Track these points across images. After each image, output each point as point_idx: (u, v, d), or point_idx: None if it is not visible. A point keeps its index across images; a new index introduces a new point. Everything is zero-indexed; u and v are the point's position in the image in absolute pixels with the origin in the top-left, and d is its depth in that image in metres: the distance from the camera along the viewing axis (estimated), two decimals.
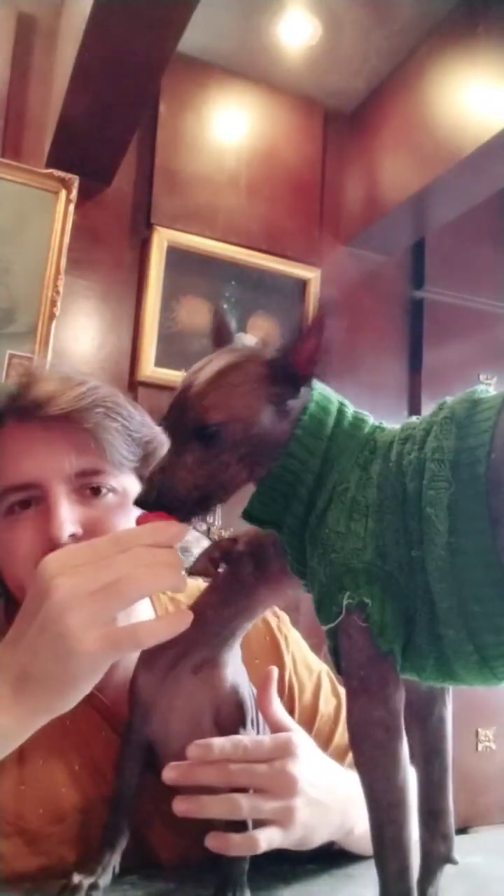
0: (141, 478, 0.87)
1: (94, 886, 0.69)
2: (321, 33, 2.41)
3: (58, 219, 2.30)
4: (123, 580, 0.58)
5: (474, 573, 0.54)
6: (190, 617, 0.61)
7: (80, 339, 2.41)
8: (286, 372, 0.63)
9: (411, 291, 2.91)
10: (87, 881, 0.69)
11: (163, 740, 0.75)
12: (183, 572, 0.62)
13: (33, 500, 0.80)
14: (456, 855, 0.65)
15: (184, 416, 0.63)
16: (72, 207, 2.31)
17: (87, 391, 0.83)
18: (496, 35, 2.14)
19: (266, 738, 0.73)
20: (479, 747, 2.58)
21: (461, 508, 0.55)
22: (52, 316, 2.27)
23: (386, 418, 0.68)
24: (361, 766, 0.56)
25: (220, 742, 0.69)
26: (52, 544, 0.76)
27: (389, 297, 2.88)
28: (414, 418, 0.65)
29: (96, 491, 0.82)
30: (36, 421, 0.81)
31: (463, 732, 2.53)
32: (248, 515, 0.66)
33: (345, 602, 0.57)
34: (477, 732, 2.57)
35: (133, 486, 0.85)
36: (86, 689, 0.60)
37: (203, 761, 0.68)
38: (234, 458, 0.62)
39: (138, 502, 0.63)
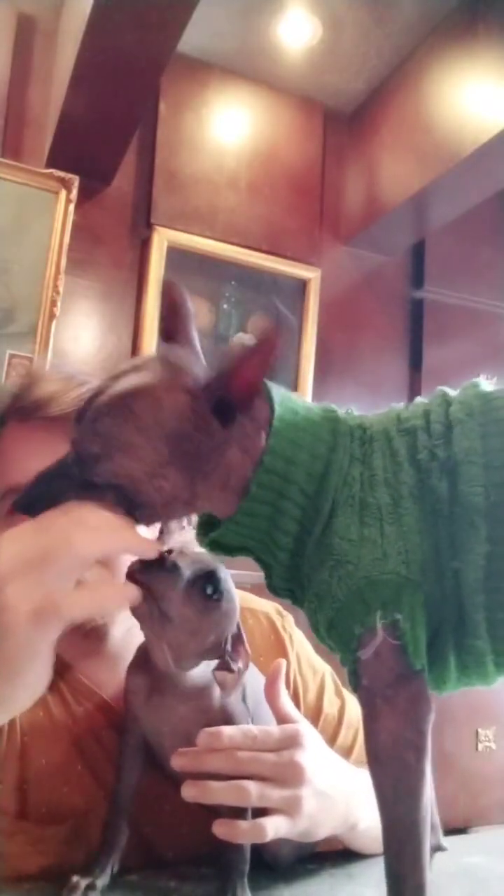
0: None
1: (91, 887, 0.69)
2: (321, 33, 2.41)
3: (58, 219, 2.30)
4: (60, 542, 0.54)
5: None
6: (129, 592, 0.58)
7: (80, 339, 2.41)
8: (218, 402, 0.55)
9: (411, 291, 2.91)
10: (84, 881, 0.69)
11: (157, 750, 0.74)
12: (141, 535, 0.58)
13: None
14: (444, 843, 0.67)
15: (77, 428, 0.57)
16: (72, 207, 2.31)
17: (85, 392, 0.80)
18: (496, 35, 2.14)
19: (275, 728, 0.73)
20: (479, 747, 2.58)
21: (499, 514, 0.52)
22: (52, 316, 2.27)
23: None
24: (383, 787, 0.54)
25: (229, 730, 0.68)
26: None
27: (389, 297, 2.88)
28: (400, 405, 0.61)
29: None
30: (37, 421, 0.81)
31: (463, 732, 2.53)
32: (214, 545, 0.59)
33: (379, 622, 0.52)
34: (477, 732, 2.57)
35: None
36: (29, 675, 0.57)
37: (212, 749, 0.67)
38: (145, 475, 0.54)
39: (15, 503, 0.58)
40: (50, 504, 0.56)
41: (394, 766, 0.53)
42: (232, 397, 0.55)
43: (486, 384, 0.59)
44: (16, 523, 0.79)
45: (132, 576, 0.61)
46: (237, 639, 0.68)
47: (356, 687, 0.55)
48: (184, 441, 0.54)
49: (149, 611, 0.63)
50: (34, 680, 0.58)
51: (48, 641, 0.56)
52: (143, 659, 0.73)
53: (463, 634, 0.54)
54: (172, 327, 0.60)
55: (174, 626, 0.64)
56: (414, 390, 2.81)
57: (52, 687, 0.84)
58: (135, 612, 0.64)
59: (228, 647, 0.67)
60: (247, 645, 0.69)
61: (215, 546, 0.60)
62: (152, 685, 0.72)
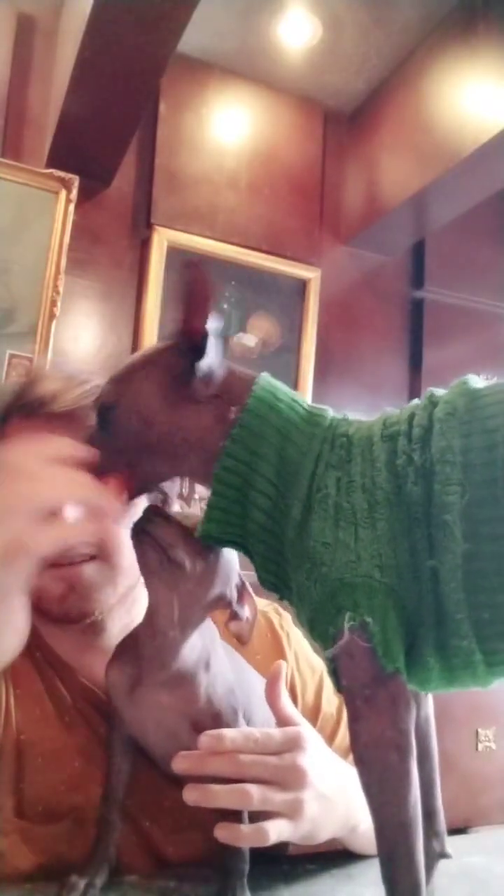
0: None
1: (90, 885, 0.69)
2: (321, 33, 2.41)
3: (58, 219, 2.30)
4: (23, 494, 0.59)
5: (489, 580, 0.52)
6: (90, 529, 0.63)
7: (80, 339, 2.41)
8: (185, 346, 0.60)
9: (411, 291, 2.91)
10: (82, 881, 0.69)
11: (144, 745, 0.74)
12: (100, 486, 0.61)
13: None
14: (449, 850, 0.66)
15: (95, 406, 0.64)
16: (72, 207, 2.31)
17: (91, 389, 0.83)
18: (496, 35, 2.14)
19: (276, 730, 0.73)
20: (479, 747, 2.58)
21: (477, 513, 0.52)
22: (52, 316, 2.27)
23: None
24: (370, 788, 0.54)
25: (231, 733, 0.68)
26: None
27: (389, 297, 2.88)
28: (393, 410, 0.61)
29: None
30: (40, 418, 0.83)
31: (463, 732, 2.53)
32: (206, 536, 0.61)
33: (346, 624, 0.53)
34: (477, 732, 2.57)
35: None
36: (3, 614, 0.61)
37: (214, 752, 0.67)
38: (132, 446, 0.61)
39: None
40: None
41: (377, 767, 0.53)
42: (192, 336, 0.59)
43: (477, 381, 0.59)
44: None
45: (140, 530, 0.65)
46: (241, 588, 0.70)
47: (338, 687, 0.56)
48: (170, 388, 0.60)
49: (159, 562, 0.65)
50: (9, 621, 0.61)
51: (19, 581, 0.59)
52: (123, 651, 0.73)
53: (445, 635, 0.54)
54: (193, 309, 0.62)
55: (185, 574, 0.65)
56: (414, 390, 2.81)
57: (49, 684, 0.84)
58: (144, 565, 0.67)
59: (234, 594, 0.69)
60: (251, 592, 0.71)
61: (207, 537, 0.62)
62: (134, 678, 0.71)
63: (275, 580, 0.61)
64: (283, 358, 2.63)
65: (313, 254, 2.72)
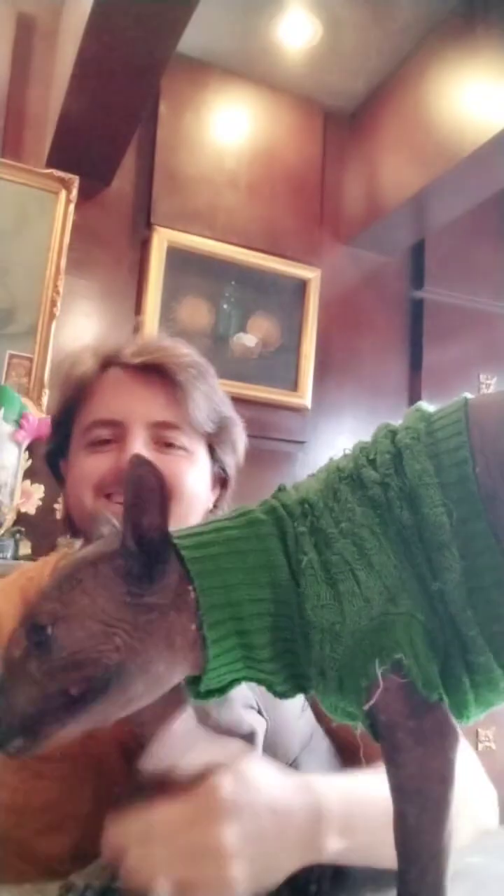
0: (211, 450, 0.93)
1: (89, 887, 0.69)
2: (321, 33, 2.41)
3: (58, 219, 2.30)
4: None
5: (490, 593, 0.52)
6: None
7: (80, 339, 2.41)
8: (140, 556, 0.54)
9: (411, 291, 2.91)
10: (81, 882, 0.69)
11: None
12: None
13: (114, 437, 0.88)
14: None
15: (27, 626, 0.54)
16: (72, 207, 2.31)
17: (187, 352, 0.92)
18: (496, 35, 2.14)
19: (178, 804, 0.62)
20: (479, 747, 2.58)
21: (464, 530, 0.52)
22: (52, 316, 2.27)
23: (386, 418, 0.65)
24: (408, 817, 0.52)
25: (129, 827, 0.61)
26: (119, 478, 0.82)
27: (389, 297, 2.88)
28: (353, 440, 0.59)
29: (170, 445, 0.89)
30: (132, 368, 0.90)
31: (463, 732, 2.53)
32: (208, 694, 0.56)
33: (379, 670, 0.50)
34: (477, 732, 2.57)
35: (202, 452, 0.92)
36: None
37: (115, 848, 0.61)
38: (90, 663, 0.52)
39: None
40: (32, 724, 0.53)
41: (420, 798, 0.52)
42: (146, 550, 0.54)
43: (429, 406, 0.59)
44: (96, 454, 0.87)
45: None
46: None
47: (377, 736, 0.53)
48: (120, 600, 0.53)
49: None
50: None
51: None
52: None
53: (467, 652, 0.53)
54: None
55: None
56: (414, 390, 2.81)
57: None
58: None
59: None
60: None
61: (209, 695, 0.57)
62: None
63: (294, 684, 0.57)
64: (283, 358, 2.63)
65: (313, 254, 2.73)
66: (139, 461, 0.53)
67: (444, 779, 0.52)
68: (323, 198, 2.79)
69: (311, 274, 2.69)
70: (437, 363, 2.81)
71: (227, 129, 2.66)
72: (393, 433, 0.57)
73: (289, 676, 0.56)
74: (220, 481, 0.97)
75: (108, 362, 0.92)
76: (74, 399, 0.92)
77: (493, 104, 2.12)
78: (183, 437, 0.89)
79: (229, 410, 0.95)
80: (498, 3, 2.14)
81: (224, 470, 0.96)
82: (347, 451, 0.60)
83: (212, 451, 0.93)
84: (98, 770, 0.79)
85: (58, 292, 2.28)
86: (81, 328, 2.41)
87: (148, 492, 0.53)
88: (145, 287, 2.47)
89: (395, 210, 2.56)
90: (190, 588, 0.54)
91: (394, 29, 2.40)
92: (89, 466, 0.87)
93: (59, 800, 0.78)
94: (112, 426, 0.88)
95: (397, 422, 0.59)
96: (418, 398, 2.80)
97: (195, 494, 0.90)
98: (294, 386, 2.63)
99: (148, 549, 0.54)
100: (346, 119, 2.84)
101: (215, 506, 0.97)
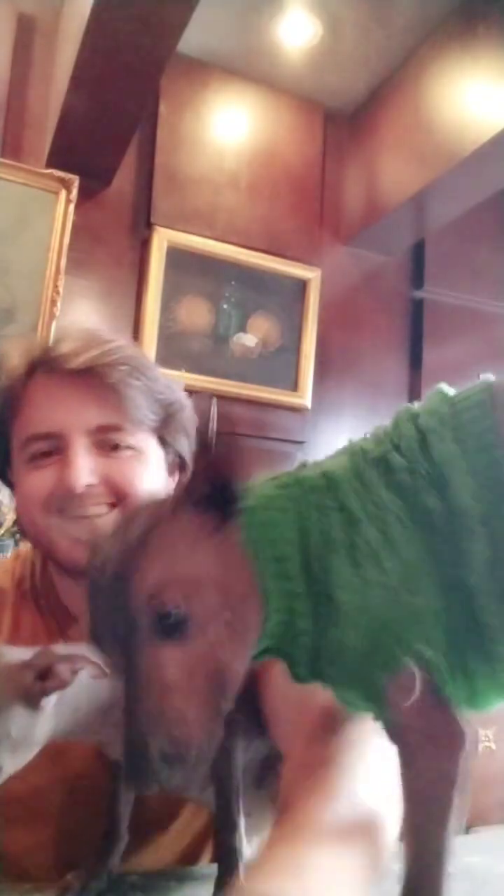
0: (161, 439, 0.88)
1: (85, 888, 0.69)
2: (321, 33, 2.41)
3: (58, 219, 2.30)
4: None
5: None
6: None
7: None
8: (213, 493, 0.52)
9: (411, 291, 2.91)
10: (78, 882, 0.69)
11: None
12: None
13: (55, 449, 0.83)
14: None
15: (124, 612, 0.48)
16: (72, 207, 2.31)
17: (113, 349, 0.85)
18: (496, 35, 2.14)
19: None
20: (479, 747, 2.58)
21: (491, 517, 0.51)
22: (52, 316, 2.27)
23: (386, 418, 0.65)
24: (416, 817, 0.52)
25: None
26: (69, 492, 0.80)
27: (389, 297, 2.88)
28: (354, 438, 0.58)
29: (116, 446, 0.85)
30: (62, 374, 0.84)
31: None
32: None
33: (407, 662, 0.49)
34: (477, 732, 2.57)
35: (152, 445, 0.88)
36: None
37: None
38: (223, 632, 0.49)
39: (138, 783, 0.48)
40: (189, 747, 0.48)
41: (430, 801, 0.52)
42: (221, 488, 0.52)
43: (449, 388, 0.58)
44: (38, 469, 0.83)
45: None
46: None
47: (391, 730, 0.52)
48: (215, 553, 0.51)
49: None
50: None
51: None
52: None
53: (482, 642, 0.52)
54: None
55: None
56: (414, 390, 2.81)
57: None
58: None
59: None
60: None
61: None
62: None
63: (306, 672, 0.55)
64: (283, 358, 2.63)
65: (313, 254, 2.72)
66: (202, 399, 0.51)
67: (451, 780, 0.52)
68: (323, 198, 2.79)
69: (311, 274, 2.69)
70: (437, 363, 2.81)
71: (227, 128, 2.66)
72: (415, 416, 0.56)
73: (307, 665, 0.54)
74: (178, 466, 0.93)
75: (35, 367, 0.86)
76: (5, 409, 0.87)
77: (493, 104, 2.12)
78: (127, 437, 0.85)
79: (174, 394, 0.89)
80: (498, 3, 2.14)
81: (180, 455, 0.92)
82: (368, 435, 0.58)
83: (163, 440, 0.89)
84: (70, 765, 0.80)
85: (58, 292, 2.28)
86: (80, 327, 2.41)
87: (226, 437, 0.52)
88: (145, 287, 2.47)
89: (395, 210, 2.55)
90: (234, 533, 0.52)
91: (394, 29, 2.40)
92: (34, 484, 0.83)
93: (30, 794, 0.77)
94: (50, 438, 0.83)
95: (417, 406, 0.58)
96: (418, 398, 2.77)
97: (149, 494, 0.84)
98: (294, 386, 2.63)
99: (218, 490, 0.51)
100: (346, 119, 2.84)
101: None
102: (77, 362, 0.83)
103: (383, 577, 0.51)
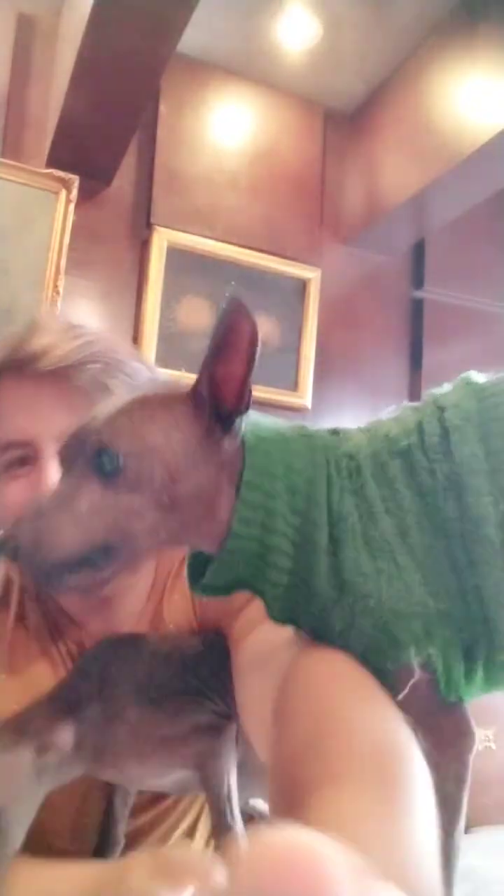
0: None
1: None
2: (321, 33, 2.41)
3: (58, 219, 2.30)
4: None
5: None
6: None
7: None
8: (210, 405, 0.53)
9: (411, 291, 2.91)
10: None
11: None
12: None
13: (29, 458, 0.79)
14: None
15: (83, 445, 0.52)
16: (72, 207, 2.31)
17: (82, 346, 0.78)
18: (496, 35, 2.14)
19: None
20: (479, 747, 2.58)
21: None
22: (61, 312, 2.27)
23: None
24: None
25: None
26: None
27: (389, 297, 2.88)
28: (384, 417, 0.58)
29: None
30: (30, 377, 0.79)
31: None
32: (207, 590, 0.56)
33: (414, 659, 0.50)
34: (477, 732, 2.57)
35: None
36: None
37: None
38: (152, 505, 0.51)
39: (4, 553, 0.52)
40: (56, 549, 0.51)
41: (440, 802, 0.51)
42: (221, 400, 0.52)
43: (479, 377, 0.57)
44: (12, 479, 0.78)
45: None
46: None
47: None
48: (196, 445, 0.53)
49: None
50: None
51: None
52: None
53: (494, 651, 0.52)
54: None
55: None
56: (414, 390, 2.81)
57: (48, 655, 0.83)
58: None
59: None
60: None
61: (208, 590, 0.56)
62: None
63: (291, 615, 0.56)
64: (283, 358, 2.63)
65: (313, 254, 2.72)
66: (236, 305, 0.50)
67: (459, 779, 0.52)
68: (323, 198, 2.79)
69: (312, 274, 2.69)
70: (437, 363, 2.81)
71: (227, 128, 2.66)
72: (442, 409, 0.55)
73: (287, 608, 0.55)
74: None
75: (2, 370, 0.81)
76: None
77: (493, 104, 2.12)
78: None
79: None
80: (498, 3, 2.14)
81: None
82: (393, 416, 0.58)
83: None
84: None
85: (58, 292, 2.28)
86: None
87: (235, 340, 0.50)
88: (145, 287, 2.46)
89: (395, 210, 2.55)
90: (238, 470, 0.53)
91: (394, 29, 2.40)
92: (9, 496, 0.79)
93: None
94: (20, 447, 0.79)
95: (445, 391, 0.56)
96: (418, 398, 2.79)
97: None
98: (294, 386, 2.63)
99: (218, 401, 0.52)
100: (346, 119, 2.83)
101: None
102: (43, 364, 0.77)
103: (397, 572, 0.51)
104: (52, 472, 0.75)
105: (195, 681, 0.70)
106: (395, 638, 0.51)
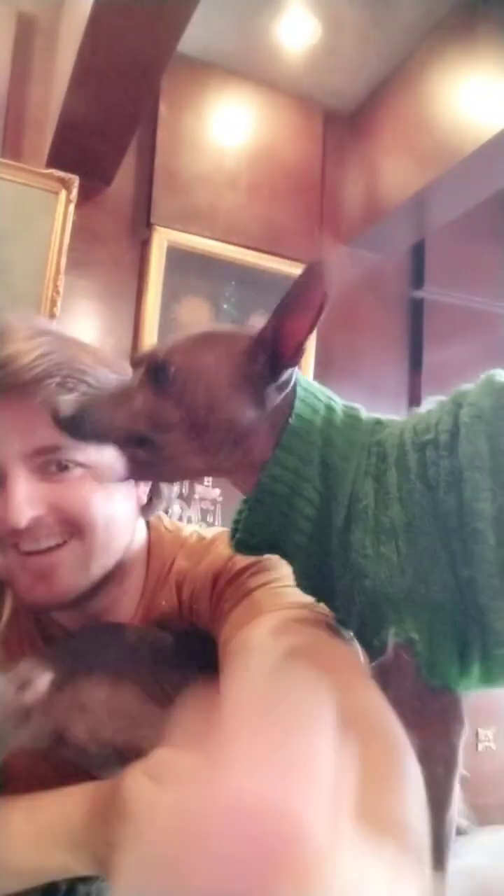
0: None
1: (72, 889, 0.69)
2: (321, 33, 2.41)
3: (58, 219, 2.30)
4: None
5: None
6: None
7: (80, 338, 2.41)
8: (268, 351, 0.57)
9: (411, 291, 2.91)
10: (65, 883, 0.69)
11: None
12: None
13: None
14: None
15: (150, 355, 0.60)
16: (72, 207, 2.31)
17: (36, 360, 0.73)
18: (496, 35, 2.14)
19: None
20: (479, 747, 2.58)
21: None
22: (52, 316, 2.27)
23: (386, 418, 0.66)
24: None
25: None
26: (13, 528, 0.73)
27: (389, 297, 2.88)
28: (423, 410, 0.60)
29: (63, 467, 0.75)
30: None
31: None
32: (241, 545, 0.60)
33: (392, 638, 0.52)
34: (477, 732, 2.57)
35: (108, 455, 0.76)
36: None
37: None
38: (187, 423, 0.56)
39: (56, 422, 0.61)
40: (105, 429, 0.59)
41: (428, 784, 0.51)
42: (279, 350, 0.56)
43: (502, 376, 0.58)
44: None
45: None
46: None
47: (385, 690, 0.54)
48: (242, 382, 0.57)
49: None
50: None
51: None
52: None
53: (488, 644, 0.53)
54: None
55: None
56: (414, 390, 2.81)
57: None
58: None
59: None
60: None
61: (242, 546, 0.61)
62: None
63: (315, 586, 0.59)
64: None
65: (313, 254, 2.72)
66: (317, 268, 0.55)
67: (447, 763, 0.52)
68: (323, 198, 2.79)
69: None
70: (437, 363, 2.81)
71: (227, 129, 2.66)
72: (458, 406, 0.57)
73: (312, 579, 0.59)
74: None
75: None
76: None
77: (493, 104, 2.12)
78: (72, 453, 0.75)
79: None
80: (498, 2, 2.14)
81: None
82: (428, 405, 0.60)
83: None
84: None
85: (58, 292, 2.28)
86: (81, 328, 2.41)
87: (307, 301, 0.55)
88: (145, 287, 2.46)
89: (395, 210, 2.55)
90: (281, 426, 0.57)
91: (394, 29, 2.40)
92: None
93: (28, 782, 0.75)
94: None
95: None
96: (418, 398, 2.80)
97: (110, 516, 0.78)
98: None
99: (277, 350, 0.56)
100: (346, 119, 2.83)
101: (150, 498, 0.86)
102: (8, 380, 0.73)
103: (397, 558, 0.53)
104: (19, 495, 0.73)
105: (157, 671, 0.71)
106: (381, 617, 0.53)
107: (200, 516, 2.32)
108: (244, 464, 0.58)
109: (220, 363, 0.57)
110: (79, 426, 0.60)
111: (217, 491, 2.32)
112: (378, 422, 0.61)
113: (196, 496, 2.32)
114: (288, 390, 0.59)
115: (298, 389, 0.59)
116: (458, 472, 0.53)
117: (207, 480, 2.31)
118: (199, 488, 2.32)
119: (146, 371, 0.59)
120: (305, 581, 0.60)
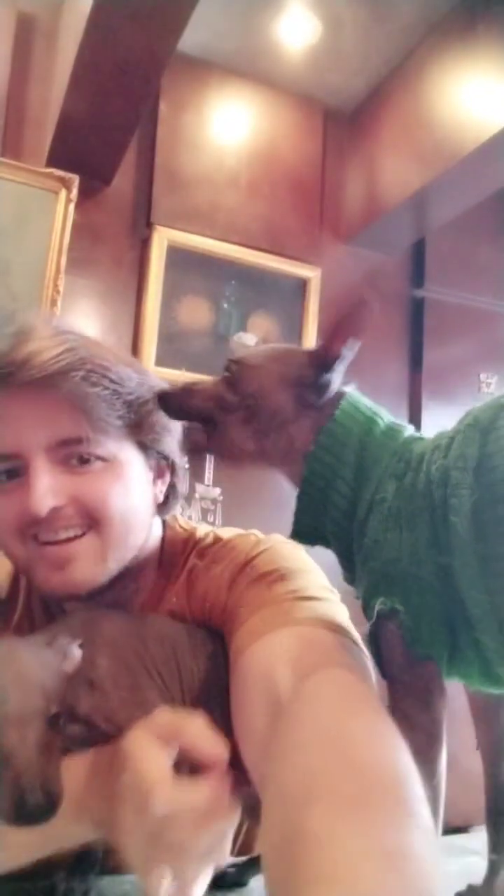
0: (140, 443, 0.82)
1: (70, 890, 0.69)
2: (321, 33, 2.41)
3: (58, 218, 2.30)
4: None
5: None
6: None
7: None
8: (315, 363, 0.70)
9: (411, 291, 2.91)
10: (63, 884, 0.69)
11: None
12: None
13: (17, 471, 0.77)
14: None
15: (228, 358, 0.76)
16: (72, 207, 2.31)
17: (62, 353, 0.76)
18: (496, 35, 2.13)
19: None
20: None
21: (485, 515, 0.56)
22: (52, 315, 2.27)
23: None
24: None
25: None
26: (33, 518, 0.74)
27: (389, 297, 2.88)
28: (449, 429, 0.68)
29: (84, 460, 0.78)
30: (13, 388, 0.77)
31: (463, 732, 2.53)
32: (297, 535, 0.71)
33: (377, 606, 0.60)
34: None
35: (127, 452, 0.81)
36: None
37: None
38: (242, 409, 0.71)
39: (159, 396, 0.76)
40: (189, 413, 0.77)
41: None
42: (328, 355, 0.71)
43: None
44: (3, 492, 0.78)
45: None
46: None
47: (382, 672, 0.61)
48: (290, 381, 0.72)
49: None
50: None
51: None
52: None
53: (472, 628, 0.57)
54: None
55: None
56: (414, 390, 2.81)
57: None
58: None
59: None
60: None
61: (297, 536, 0.72)
62: None
63: (349, 574, 0.68)
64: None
65: (313, 253, 2.72)
66: (364, 307, 0.69)
67: (429, 734, 0.58)
68: (323, 197, 2.79)
69: (312, 273, 2.69)
70: (437, 363, 2.81)
71: (227, 128, 2.66)
72: (468, 415, 0.65)
73: (348, 569, 0.69)
74: (166, 468, 0.87)
75: None
76: None
77: (493, 103, 2.12)
78: (94, 447, 0.77)
79: (143, 389, 0.81)
80: (498, 3, 2.14)
81: (164, 456, 0.85)
82: (461, 426, 0.67)
83: (141, 443, 0.82)
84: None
85: (58, 291, 2.28)
86: (81, 327, 2.41)
87: (350, 330, 0.70)
88: (145, 286, 2.47)
89: (396, 209, 2.55)
90: (322, 425, 0.70)
91: (394, 29, 2.40)
92: (2, 511, 0.78)
93: None
94: (8, 459, 0.77)
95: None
96: (418, 398, 2.80)
97: (128, 510, 0.79)
98: None
99: (325, 362, 0.71)
100: (346, 119, 2.83)
101: (167, 497, 0.88)
102: (26, 374, 0.75)
103: (398, 543, 0.61)
104: (40, 485, 0.74)
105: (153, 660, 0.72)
106: (376, 591, 0.61)
107: (201, 516, 2.32)
108: (289, 453, 0.70)
109: (273, 364, 0.72)
110: (167, 403, 0.76)
111: (217, 490, 2.32)
112: (419, 438, 0.71)
113: (196, 496, 2.32)
114: (330, 396, 0.73)
115: (344, 401, 0.72)
116: (446, 470, 0.60)
117: (208, 480, 2.31)
118: (199, 488, 2.32)
119: (224, 368, 0.74)
120: (344, 563, 0.69)
